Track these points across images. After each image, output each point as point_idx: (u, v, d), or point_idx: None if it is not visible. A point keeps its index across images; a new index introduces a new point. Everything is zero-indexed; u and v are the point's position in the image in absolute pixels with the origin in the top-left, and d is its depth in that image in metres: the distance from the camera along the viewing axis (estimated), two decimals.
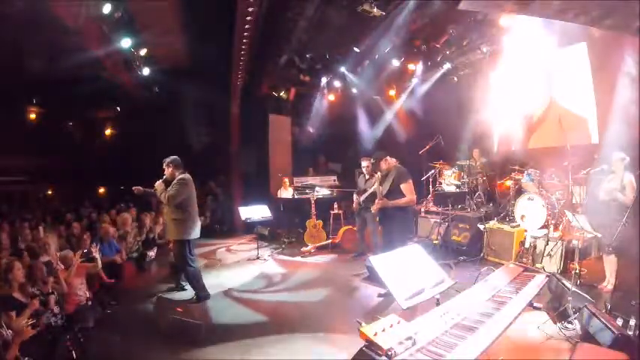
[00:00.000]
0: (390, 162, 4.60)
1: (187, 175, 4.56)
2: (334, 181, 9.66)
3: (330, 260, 6.43)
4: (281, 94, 9.87)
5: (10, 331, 2.82)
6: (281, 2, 6.14)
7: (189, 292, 4.79)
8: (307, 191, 7.86)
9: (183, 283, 4.90)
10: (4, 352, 2.68)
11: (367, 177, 6.03)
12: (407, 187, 4.42)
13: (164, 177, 4.58)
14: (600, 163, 4.72)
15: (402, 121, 10.16)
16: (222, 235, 8.87)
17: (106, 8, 5.34)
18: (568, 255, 4.86)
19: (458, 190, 7.33)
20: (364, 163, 6.12)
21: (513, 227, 5.68)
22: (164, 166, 4.59)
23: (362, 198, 5.95)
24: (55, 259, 4.33)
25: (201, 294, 4.55)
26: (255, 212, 7.04)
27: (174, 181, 4.45)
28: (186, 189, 4.45)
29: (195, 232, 4.57)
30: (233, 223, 9.22)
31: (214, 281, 5.32)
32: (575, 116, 6.36)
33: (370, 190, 5.72)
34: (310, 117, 10.84)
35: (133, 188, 4.66)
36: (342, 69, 8.81)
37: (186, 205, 4.47)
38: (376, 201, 4.65)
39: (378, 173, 4.73)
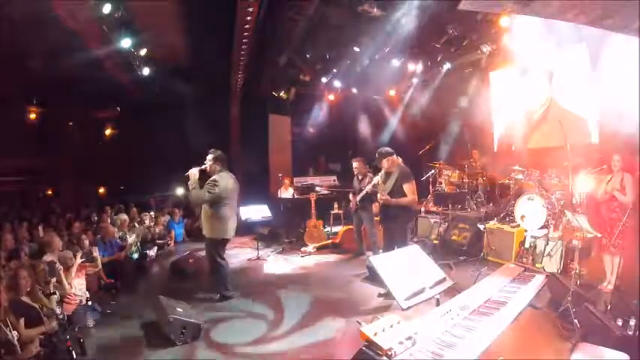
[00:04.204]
0: (393, 160, 4.61)
1: (221, 175, 4.47)
2: (334, 181, 9.64)
3: (330, 260, 6.42)
4: (281, 94, 9.85)
5: (16, 332, 2.82)
6: (281, 2, 6.15)
7: (189, 293, 4.80)
8: (307, 191, 7.86)
9: (227, 293, 4.59)
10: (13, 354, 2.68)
11: (360, 177, 6.08)
12: (410, 188, 4.42)
13: (204, 166, 4.54)
14: (600, 163, 4.72)
15: (401, 121, 10.16)
16: None
17: (106, 8, 5.33)
18: (568, 255, 4.86)
19: (458, 190, 7.33)
20: (355, 164, 6.15)
21: (513, 227, 5.68)
22: (208, 157, 4.56)
23: (358, 198, 5.98)
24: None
25: (226, 294, 4.54)
26: (255, 212, 7.03)
27: (206, 183, 4.39)
28: (217, 190, 4.35)
29: (229, 232, 4.54)
30: None
31: None
32: (575, 116, 6.36)
33: (365, 190, 5.74)
34: (310, 117, 10.83)
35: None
36: (342, 69, 8.79)
37: (222, 204, 4.41)
38: (379, 194, 4.62)
39: (369, 174, 4.74)
